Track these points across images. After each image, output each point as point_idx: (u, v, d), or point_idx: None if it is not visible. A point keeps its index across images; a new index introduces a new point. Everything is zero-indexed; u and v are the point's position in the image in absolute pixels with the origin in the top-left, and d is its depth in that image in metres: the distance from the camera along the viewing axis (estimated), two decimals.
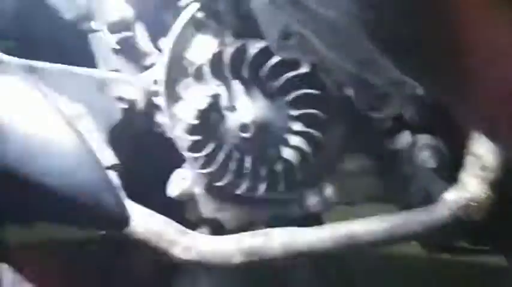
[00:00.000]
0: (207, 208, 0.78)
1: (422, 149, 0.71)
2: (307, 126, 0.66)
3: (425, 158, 0.70)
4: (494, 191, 0.63)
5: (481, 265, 1.33)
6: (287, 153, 0.68)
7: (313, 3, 0.48)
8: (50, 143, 0.63)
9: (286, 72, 0.62)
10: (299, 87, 0.64)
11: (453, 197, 0.64)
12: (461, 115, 0.50)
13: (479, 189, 0.63)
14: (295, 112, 0.65)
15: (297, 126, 0.66)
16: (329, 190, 0.74)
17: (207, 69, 0.66)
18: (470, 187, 0.64)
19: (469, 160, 0.66)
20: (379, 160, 0.74)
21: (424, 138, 0.72)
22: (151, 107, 0.76)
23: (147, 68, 0.76)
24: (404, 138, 0.72)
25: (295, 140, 0.68)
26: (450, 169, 0.70)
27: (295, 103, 0.65)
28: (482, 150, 0.64)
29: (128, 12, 0.72)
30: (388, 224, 0.64)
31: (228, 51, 0.64)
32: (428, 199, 0.71)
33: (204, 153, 0.70)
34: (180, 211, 0.87)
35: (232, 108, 0.68)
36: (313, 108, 0.64)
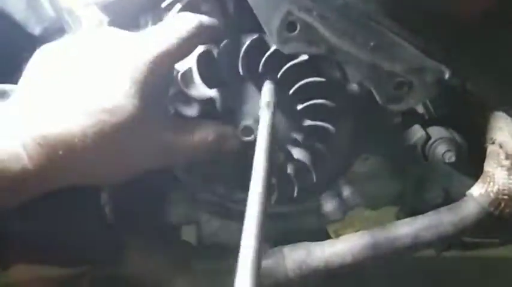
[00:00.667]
0: (208, 229, 0.71)
1: (437, 143, 0.65)
2: (316, 120, 0.59)
3: (442, 152, 0.64)
4: None
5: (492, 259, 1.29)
6: (298, 153, 0.61)
7: None
8: None
9: (283, 65, 0.54)
10: (300, 78, 0.56)
11: (481, 192, 0.58)
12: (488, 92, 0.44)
13: (507, 180, 0.57)
14: (301, 106, 0.58)
15: (306, 121, 0.59)
16: (347, 191, 0.68)
17: (195, 73, 0.58)
18: (497, 178, 0.58)
19: (490, 150, 0.60)
20: (392, 160, 0.68)
21: (437, 131, 0.66)
22: None
23: None
24: (417, 133, 0.66)
25: (304, 137, 0.60)
26: (470, 163, 0.65)
27: (299, 96, 0.58)
28: (503, 137, 0.59)
29: (102, 20, 0.65)
30: (414, 229, 0.58)
31: (215, 50, 0.57)
32: (449, 197, 0.66)
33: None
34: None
35: (230, 112, 0.60)
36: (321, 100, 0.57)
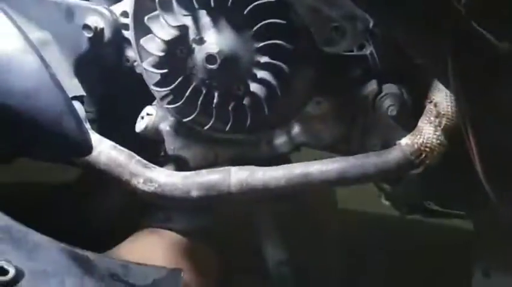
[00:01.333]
0: (173, 145, 0.79)
1: (385, 97, 0.71)
2: (274, 59, 0.65)
3: (387, 106, 0.70)
4: (448, 137, 0.64)
5: (451, 228, 1.38)
6: (254, 87, 0.68)
7: None
8: (12, 63, 0.63)
9: (252, 2, 0.60)
10: (266, 18, 0.62)
11: (407, 142, 0.65)
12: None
13: (432, 135, 0.64)
14: (262, 44, 0.64)
15: (264, 59, 0.66)
16: (296, 129, 0.75)
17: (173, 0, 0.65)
18: (425, 133, 0.65)
19: (427, 107, 0.67)
20: (344, 106, 0.74)
21: (388, 87, 0.72)
22: (121, 40, 0.76)
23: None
24: (371, 86, 0.73)
25: (262, 73, 0.67)
26: (412, 118, 0.71)
27: (262, 35, 0.64)
28: (439, 97, 0.65)
29: None
30: (342, 165, 0.66)
31: None
32: (387, 146, 0.73)
33: (170, 87, 0.71)
34: (147, 147, 0.88)
35: (200, 41, 0.67)
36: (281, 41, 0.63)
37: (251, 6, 0.62)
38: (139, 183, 0.72)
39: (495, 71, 0.54)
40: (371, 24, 0.51)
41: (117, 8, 0.74)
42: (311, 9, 0.53)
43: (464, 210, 1.14)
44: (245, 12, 0.63)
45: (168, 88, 0.71)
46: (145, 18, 0.69)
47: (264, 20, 0.63)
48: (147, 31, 0.72)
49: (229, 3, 0.63)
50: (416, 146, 0.65)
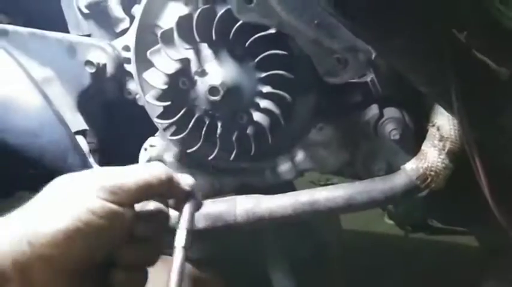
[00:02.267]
0: None
1: (387, 121, 0.72)
2: (276, 88, 0.66)
3: (389, 130, 0.71)
4: (453, 161, 0.65)
5: (455, 245, 1.37)
6: (257, 116, 0.68)
7: None
8: (15, 103, 0.64)
9: (253, 34, 0.61)
10: (267, 49, 0.63)
11: (412, 166, 0.65)
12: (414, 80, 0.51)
13: (437, 159, 0.64)
14: (264, 74, 0.65)
15: (267, 89, 0.66)
16: (301, 156, 0.75)
17: (175, 33, 0.66)
18: (429, 156, 0.65)
19: (429, 131, 0.67)
20: (347, 132, 0.74)
21: (390, 111, 0.73)
22: (123, 74, 0.76)
23: (119, 34, 0.76)
24: (372, 111, 0.73)
25: (265, 103, 0.68)
26: (414, 141, 0.72)
27: (264, 65, 0.65)
28: (441, 121, 0.65)
29: None
30: (348, 192, 0.66)
31: (195, 14, 0.63)
32: (391, 171, 0.73)
33: (174, 119, 0.71)
34: None
35: (202, 73, 0.68)
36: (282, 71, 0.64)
37: (252, 38, 0.63)
38: None
39: (497, 95, 0.54)
40: (373, 56, 0.52)
41: (119, 43, 0.74)
42: (313, 41, 0.54)
43: (469, 227, 1.14)
44: (246, 44, 0.64)
45: (172, 120, 0.71)
46: (148, 52, 0.69)
47: (265, 51, 0.65)
48: (149, 64, 0.73)
49: (231, 36, 0.64)
50: (421, 170, 0.65)
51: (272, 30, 0.63)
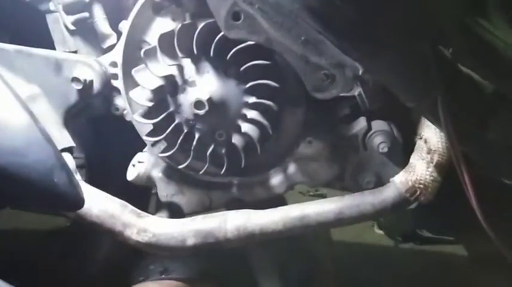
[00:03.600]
0: (165, 191, 0.79)
1: (375, 134, 0.72)
2: (262, 98, 0.66)
3: (378, 143, 0.71)
4: (441, 173, 0.65)
5: (444, 254, 1.38)
6: (246, 127, 0.68)
7: None
8: (1, 121, 0.62)
9: (235, 46, 0.61)
10: (250, 60, 0.63)
11: (401, 179, 0.66)
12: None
13: (425, 171, 0.65)
14: (249, 84, 0.65)
15: (252, 99, 0.66)
16: (292, 169, 0.75)
17: (158, 50, 0.65)
18: (417, 169, 0.65)
19: (417, 144, 0.68)
20: (335, 145, 0.75)
21: (378, 124, 0.73)
22: (110, 90, 0.76)
23: (106, 50, 0.75)
24: (360, 124, 0.74)
25: (252, 113, 0.68)
26: (403, 154, 0.72)
27: (248, 76, 0.65)
28: (428, 133, 0.66)
29: None
30: (338, 206, 0.66)
31: (176, 30, 0.63)
32: (381, 183, 0.73)
33: (162, 136, 0.70)
34: (139, 195, 0.87)
35: (184, 90, 0.68)
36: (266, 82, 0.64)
37: (233, 50, 0.63)
38: (133, 233, 0.71)
39: (483, 108, 0.55)
40: (360, 72, 0.52)
41: (106, 59, 0.74)
42: (300, 57, 0.54)
43: (457, 236, 1.15)
44: (228, 57, 0.64)
45: (161, 137, 0.70)
46: (133, 71, 0.69)
47: (249, 61, 0.64)
48: (135, 81, 0.72)
49: (212, 49, 0.64)
50: (410, 183, 0.65)
51: (252, 42, 0.63)
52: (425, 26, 0.42)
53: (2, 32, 0.79)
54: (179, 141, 0.69)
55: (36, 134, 0.64)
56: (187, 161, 0.71)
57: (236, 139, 0.69)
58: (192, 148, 0.71)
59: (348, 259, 1.46)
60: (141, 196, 0.93)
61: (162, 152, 0.72)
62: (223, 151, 0.70)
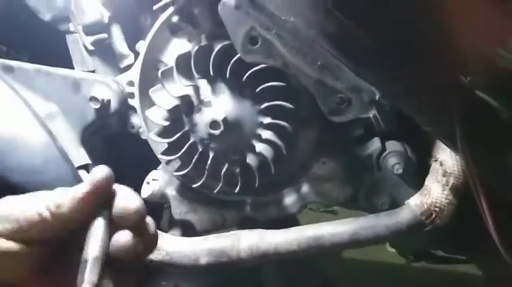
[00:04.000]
0: (179, 209, 0.79)
1: (390, 155, 0.72)
2: (277, 119, 0.66)
3: (392, 164, 0.71)
4: (457, 196, 0.65)
5: (457, 273, 1.36)
6: (260, 147, 0.69)
7: (276, 9, 0.50)
8: (19, 140, 0.64)
9: (251, 68, 0.62)
10: (265, 81, 0.64)
11: (416, 202, 0.65)
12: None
13: (441, 194, 0.64)
14: (264, 105, 0.66)
15: (267, 119, 0.67)
16: (305, 189, 0.75)
17: (174, 70, 0.66)
18: (433, 192, 0.65)
19: (432, 166, 0.67)
20: (350, 166, 0.75)
21: (392, 145, 0.73)
22: (127, 108, 0.77)
23: (123, 70, 0.77)
24: (374, 144, 0.74)
25: (266, 133, 0.68)
26: (417, 175, 0.72)
27: (264, 97, 0.65)
28: (444, 156, 0.66)
29: (103, 14, 0.73)
30: (353, 227, 0.65)
31: (193, 51, 0.64)
32: (395, 205, 0.73)
33: (178, 155, 0.71)
34: (153, 212, 0.87)
35: (200, 110, 0.68)
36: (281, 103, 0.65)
37: (249, 72, 0.64)
38: None
39: (499, 133, 0.55)
40: (377, 96, 0.52)
41: (123, 78, 0.75)
42: (316, 81, 0.54)
43: (470, 256, 1.13)
44: (243, 79, 0.64)
45: (176, 156, 0.71)
46: (150, 90, 0.70)
47: (264, 83, 0.65)
48: (152, 100, 0.73)
49: (228, 72, 0.65)
50: (426, 206, 0.65)
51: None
52: (444, 55, 0.43)
53: (22, 51, 0.81)
54: (194, 160, 0.70)
55: (54, 152, 0.66)
56: (202, 180, 0.71)
57: (250, 159, 0.69)
58: (207, 167, 0.71)
59: (359, 277, 1.44)
60: (153, 212, 0.93)
61: (177, 170, 0.73)
62: (238, 170, 0.70)
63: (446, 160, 0.66)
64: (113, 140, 0.82)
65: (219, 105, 0.68)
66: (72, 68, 0.78)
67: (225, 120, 0.66)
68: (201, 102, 0.69)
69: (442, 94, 0.46)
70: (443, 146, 0.67)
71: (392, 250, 1.46)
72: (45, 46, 0.81)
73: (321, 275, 1.18)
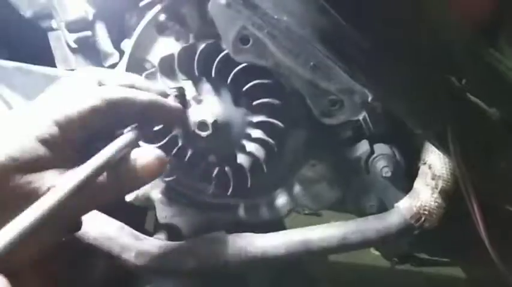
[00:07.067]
0: (165, 213, 0.77)
1: (378, 158, 0.72)
2: (268, 117, 0.65)
3: (381, 167, 0.70)
4: (446, 200, 0.65)
5: (441, 276, 1.37)
6: (250, 147, 0.67)
7: (269, 7, 0.49)
8: None
9: (235, 67, 0.61)
10: (251, 81, 0.63)
11: (405, 205, 0.65)
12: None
13: (430, 197, 0.64)
14: (253, 103, 0.64)
15: (257, 118, 0.66)
16: (297, 188, 0.74)
17: (158, 73, 0.65)
18: (422, 195, 0.65)
19: (421, 169, 0.67)
20: (339, 169, 0.74)
21: (381, 148, 0.73)
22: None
23: (107, 69, 0.74)
24: (363, 147, 0.73)
25: (256, 132, 0.67)
26: (406, 179, 0.72)
27: (253, 95, 0.64)
28: (432, 159, 0.66)
29: (87, 11, 0.71)
30: (342, 231, 0.65)
31: (176, 53, 0.63)
32: (383, 208, 0.72)
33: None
34: (137, 216, 0.85)
35: (194, 105, 0.67)
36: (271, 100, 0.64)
37: (234, 71, 0.62)
38: (131, 257, 0.69)
39: (489, 135, 0.55)
40: (369, 98, 0.52)
41: None
42: (308, 82, 0.53)
43: (455, 258, 1.14)
44: (230, 77, 0.63)
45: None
46: None
47: (249, 82, 0.63)
48: None
49: (213, 72, 0.63)
50: (415, 209, 0.64)
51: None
52: (437, 56, 0.42)
53: (1, 48, 0.78)
54: (183, 164, 0.68)
55: None
56: (191, 183, 0.70)
57: (242, 159, 0.68)
58: (197, 170, 0.69)
59: (343, 280, 1.44)
60: (137, 216, 0.91)
61: (167, 176, 0.71)
62: (229, 171, 0.69)
63: (435, 162, 0.66)
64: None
65: (206, 106, 0.67)
66: (54, 66, 0.75)
67: (214, 122, 0.65)
68: (187, 103, 0.67)
69: (435, 96, 0.45)
70: (432, 148, 0.67)
71: (377, 252, 1.46)
72: (26, 43, 0.78)
73: (306, 279, 1.18)
